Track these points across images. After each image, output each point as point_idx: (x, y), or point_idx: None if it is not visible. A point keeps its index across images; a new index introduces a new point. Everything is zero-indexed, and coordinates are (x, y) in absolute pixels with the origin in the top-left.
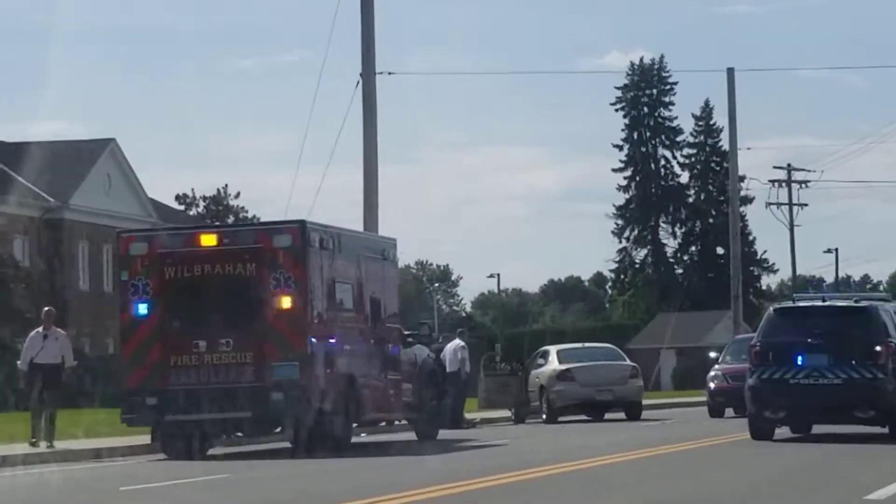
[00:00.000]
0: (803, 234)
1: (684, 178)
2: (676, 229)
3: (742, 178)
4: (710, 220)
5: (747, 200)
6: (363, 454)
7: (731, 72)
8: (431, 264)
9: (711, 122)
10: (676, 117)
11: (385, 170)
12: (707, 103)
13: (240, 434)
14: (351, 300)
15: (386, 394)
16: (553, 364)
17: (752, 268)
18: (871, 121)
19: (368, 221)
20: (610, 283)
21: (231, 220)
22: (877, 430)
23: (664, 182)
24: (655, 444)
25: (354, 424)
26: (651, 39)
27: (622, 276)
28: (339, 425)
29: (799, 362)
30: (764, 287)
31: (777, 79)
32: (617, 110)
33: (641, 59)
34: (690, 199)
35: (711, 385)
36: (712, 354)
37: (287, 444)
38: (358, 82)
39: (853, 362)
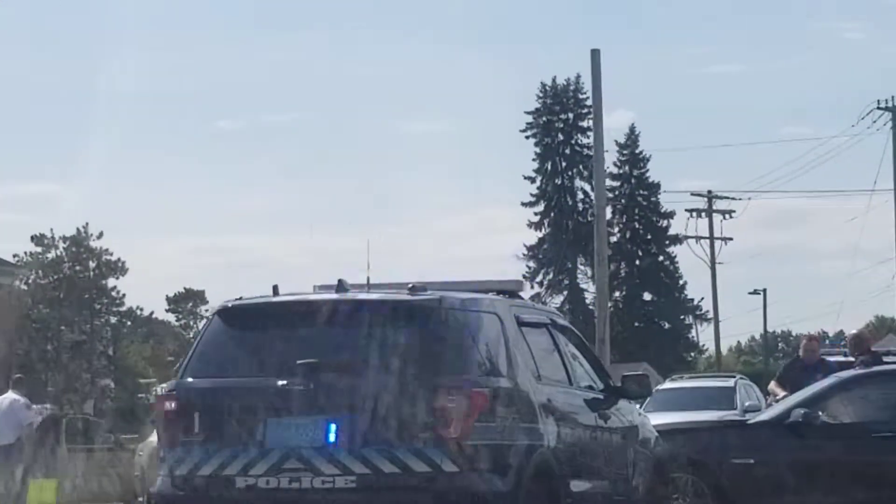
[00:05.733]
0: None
1: (605, 214)
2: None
3: (671, 215)
4: (637, 262)
5: (677, 239)
6: None
7: (595, 53)
8: None
9: (638, 151)
10: None
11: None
12: (633, 129)
13: None
14: None
15: None
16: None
17: (682, 316)
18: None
19: None
20: None
21: (93, 265)
22: None
23: (582, 219)
24: None
25: None
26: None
27: None
28: None
29: (258, 437)
30: (692, 337)
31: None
32: (527, 137)
33: (554, 80)
34: (614, 238)
35: None
36: None
37: None
38: None
39: (386, 435)
